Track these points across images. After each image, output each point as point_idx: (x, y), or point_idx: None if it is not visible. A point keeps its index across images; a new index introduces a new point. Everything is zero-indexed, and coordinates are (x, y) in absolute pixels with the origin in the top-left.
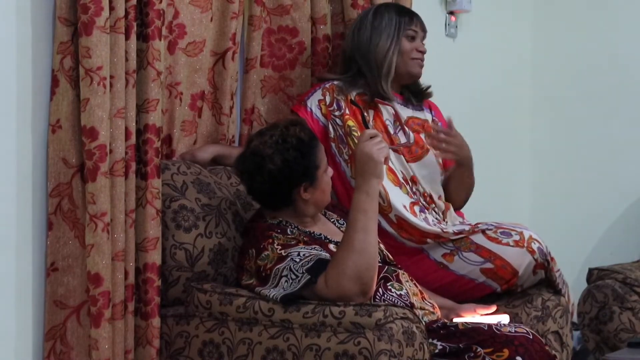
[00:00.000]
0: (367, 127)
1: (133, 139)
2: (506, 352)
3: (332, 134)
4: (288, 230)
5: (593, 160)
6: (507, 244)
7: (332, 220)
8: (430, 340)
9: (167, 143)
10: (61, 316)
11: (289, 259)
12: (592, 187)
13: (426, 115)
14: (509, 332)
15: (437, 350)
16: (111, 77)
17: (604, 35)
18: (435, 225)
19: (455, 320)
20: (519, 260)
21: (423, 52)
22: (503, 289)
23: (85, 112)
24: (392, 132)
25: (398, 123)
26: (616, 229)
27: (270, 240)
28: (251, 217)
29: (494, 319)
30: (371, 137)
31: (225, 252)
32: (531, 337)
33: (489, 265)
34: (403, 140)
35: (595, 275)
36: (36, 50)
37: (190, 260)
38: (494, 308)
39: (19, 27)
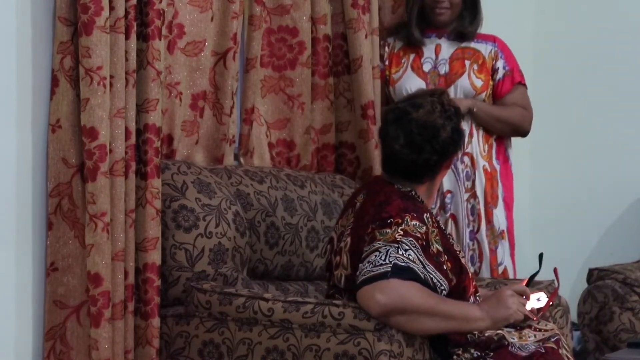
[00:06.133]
0: (530, 282)
1: (133, 139)
2: None
3: None
4: (425, 216)
5: (593, 160)
6: None
7: None
8: None
9: (167, 143)
10: (61, 316)
11: (397, 245)
12: (592, 187)
13: (485, 47)
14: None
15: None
16: (111, 76)
17: (604, 35)
18: None
19: None
20: None
21: (439, 2)
22: None
23: (85, 112)
24: (426, 70)
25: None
26: (616, 229)
27: (399, 221)
28: (376, 179)
29: (533, 298)
30: (524, 296)
31: (225, 252)
32: (543, 351)
33: None
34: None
35: (595, 276)
36: (36, 50)
37: (190, 260)
38: (524, 282)
39: (19, 27)
